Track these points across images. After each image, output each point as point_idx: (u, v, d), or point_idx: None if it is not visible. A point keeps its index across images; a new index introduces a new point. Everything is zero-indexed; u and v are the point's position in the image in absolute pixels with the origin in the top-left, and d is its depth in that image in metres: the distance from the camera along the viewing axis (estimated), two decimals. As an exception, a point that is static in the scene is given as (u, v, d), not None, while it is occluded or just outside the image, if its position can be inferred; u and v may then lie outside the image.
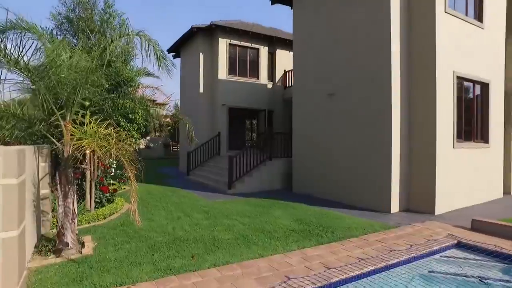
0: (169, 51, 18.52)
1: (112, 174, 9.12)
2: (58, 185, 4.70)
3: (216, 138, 14.55)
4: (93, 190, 7.11)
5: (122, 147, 4.11)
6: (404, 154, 7.83)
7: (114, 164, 10.84)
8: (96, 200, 7.44)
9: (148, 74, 8.70)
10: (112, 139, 4.18)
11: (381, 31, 7.78)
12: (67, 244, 4.58)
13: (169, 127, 30.98)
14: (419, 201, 7.74)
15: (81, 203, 6.94)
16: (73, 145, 4.26)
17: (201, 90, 15.48)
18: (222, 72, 15.08)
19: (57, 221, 4.78)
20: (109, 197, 7.71)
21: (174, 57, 19.37)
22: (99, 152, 4.04)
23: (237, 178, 10.40)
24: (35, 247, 4.81)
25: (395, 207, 7.68)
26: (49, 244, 4.85)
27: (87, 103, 6.71)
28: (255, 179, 10.69)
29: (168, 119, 32.95)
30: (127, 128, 7.26)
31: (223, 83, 15.06)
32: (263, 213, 7.23)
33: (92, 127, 4.36)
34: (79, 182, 7.28)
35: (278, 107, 16.57)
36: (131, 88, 7.26)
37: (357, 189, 8.32)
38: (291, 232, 5.77)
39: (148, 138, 28.50)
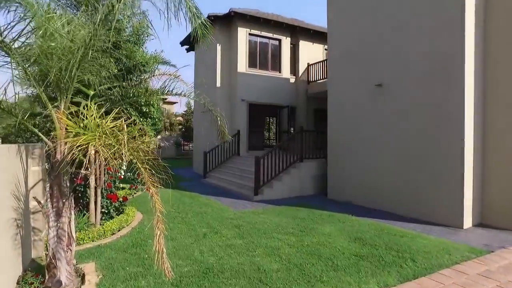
0: (182, 44, 17.26)
1: (122, 177, 7.85)
2: (49, 199, 3.39)
3: (235, 138, 13.19)
4: (99, 199, 5.82)
5: (137, 147, 2.77)
6: (476, 156, 6.36)
7: (124, 166, 9.60)
8: (103, 210, 6.16)
9: (165, 62, 7.40)
10: (123, 134, 2.85)
11: (452, 5, 6.31)
12: (60, 284, 3.26)
13: (181, 126, 29.80)
14: (498, 214, 6.25)
15: (84, 214, 5.65)
16: (69, 143, 2.94)
17: (218, 84, 14.15)
18: (242, 65, 13.72)
19: (47, 249, 3.49)
20: (118, 207, 6.42)
21: (188, 50, 18.11)
22: (105, 153, 2.71)
23: (264, 183, 9.03)
24: (17, 282, 3.50)
25: (468, 221, 6.19)
26: (36, 280, 3.53)
27: (91, 92, 5.41)
28: (285, 184, 9.30)
29: (179, 118, 31.73)
30: (141, 123, 5.99)
31: (242, 77, 13.70)
32: (308, 228, 5.83)
33: (95, 118, 3.02)
34: (82, 189, 6.01)
35: (301, 104, 15.15)
36: (145, 75, 5.94)
37: (415, 198, 6.86)
38: (358, 259, 4.36)
39: (159, 137, 27.36)
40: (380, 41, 7.77)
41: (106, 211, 6.22)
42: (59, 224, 3.38)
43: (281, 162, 9.33)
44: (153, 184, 2.77)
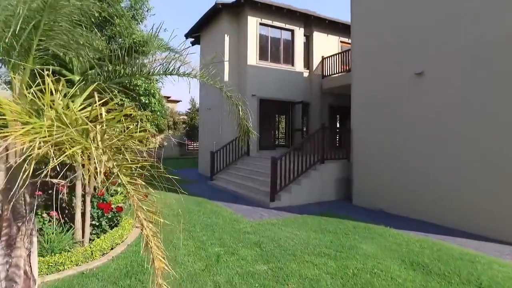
0: (187, 36, 16.17)
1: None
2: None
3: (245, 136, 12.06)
4: (88, 209, 4.74)
5: (122, 145, 1.67)
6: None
7: None
8: (94, 223, 5.07)
9: (169, 48, 6.26)
10: (102, 125, 1.73)
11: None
12: None
13: (185, 124, 28.72)
14: None
15: (68, 230, 4.56)
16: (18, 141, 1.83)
17: (226, 78, 13.02)
18: (252, 57, 12.60)
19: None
20: (112, 217, 5.33)
21: (193, 43, 17.02)
22: (83, 161, 1.61)
23: (281, 187, 7.90)
24: None
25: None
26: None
27: (76, 77, 4.32)
28: (305, 188, 8.17)
29: (183, 116, 30.65)
30: (139, 115, 4.93)
31: (253, 70, 12.58)
32: (345, 247, 4.70)
33: (66, 102, 1.89)
34: (69, 198, 4.93)
35: (315, 99, 13.99)
36: (143, 58, 4.80)
37: (471, 207, 5.70)
38: (429, 298, 3.23)
39: (162, 135, 26.32)
40: (422, 25, 6.62)
41: (97, 224, 5.13)
42: (11, 260, 2.29)
43: (300, 163, 8.20)
44: (140, 208, 1.64)
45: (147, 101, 4.95)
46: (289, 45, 13.56)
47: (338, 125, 14.85)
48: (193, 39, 16.65)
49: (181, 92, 59.11)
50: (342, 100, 14.37)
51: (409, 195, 6.72)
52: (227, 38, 13.04)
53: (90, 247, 4.32)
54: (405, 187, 6.80)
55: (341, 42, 14.96)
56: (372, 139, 7.70)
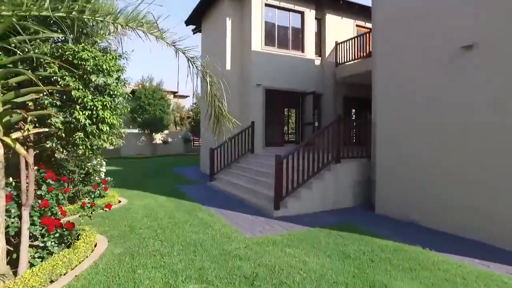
0: (187, 23, 14.86)
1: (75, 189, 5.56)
2: None
3: (248, 131, 10.71)
4: (25, 227, 3.50)
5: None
6: None
7: (101, 164, 7.39)
8: (37, 244, 3.82)
9: None
10: None
11: None
12: None
13: (190, 119, 27.52)
14: None
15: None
16: None
17: (228, 66, 11.67)
18: (257, 42, 11.19)
19: None
20: (63, 234, 4.05)
21: (194, 32, 15.71)
22: None
23: (288, 192, 6.53)
24: None
25: None
26: None
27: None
28: (316, 193, 6.77)
29: (190, 112, 29.45)
30: (92, 106, 3.57)
31: (258, 57, 11.17)
32: (375, 285, 3.31)
33: None
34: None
35: (328, 90, 12.50)
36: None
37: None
38: None
39: (166, 132, 25.17)
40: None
41: (43, 245, 3.87)
42: None
43: (310, 163, 6.80)
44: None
45: (101, 82, 3.69)
46: (299, 29, 12.09)
47: (356, 119, 13.35)
48: (194, 27, 15.36)
49: (190, 87, 57.97)
50: (358, 91, 12.86)
51: (455, 206, 5.24)
52: (229, 22, 11.67)
53: (23, 281, 3.06)
54: (450, 195, 5.33)
55: (357, 26, 13.40)
56: (401, 133, 6.24)
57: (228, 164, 10.54)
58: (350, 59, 11.73)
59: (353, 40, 11.62)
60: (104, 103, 3.90)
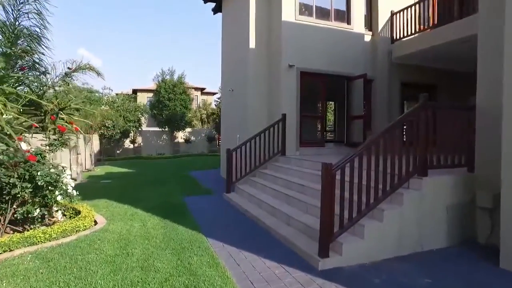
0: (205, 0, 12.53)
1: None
2: None
3: (278, 126, 8.13)
4: None
5: None
6: None
7: (66, 175, 5.22)
8: None
9: None
10: None
11: None
12: None
13: (214, 115, 25.31)
14: None
15: None
16: None
17: (251, 44, 9.15)
18: (289, 11, 8.57)
19: None
20: None
21: (215, 12, 13.36)
22: None
23: (343, 225, 3.87)
24: None
25: None
26: None
27: None
28: (389, 226, 4.05)
29: (213, 106, 27.29)
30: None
31: (290, 30, 8.55)
32: None
33: None
34: None
35: (381, 73, 9.61)
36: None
37: None
38: None
39: (189, 130, 23.15)
40: None
41: None
42: None
43: (378, 178, 4.09)
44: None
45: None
46: (344, -6, 9.33)
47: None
48: (214, 5, 12.97)
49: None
50: (421, 75, 9.90)
51: None
52: (253, -13, 9.13)
53: None
54: None
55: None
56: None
57: (251, 170, 8.03)
58: (411, 32, 8.86)
59: (415, 6, 8.74)
60: None
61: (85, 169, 14.38)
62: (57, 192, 5.04)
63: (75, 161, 12.08)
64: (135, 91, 29.07)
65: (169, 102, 20.25)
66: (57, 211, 5.50)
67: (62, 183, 5.25)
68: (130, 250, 4.17)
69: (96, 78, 6.76)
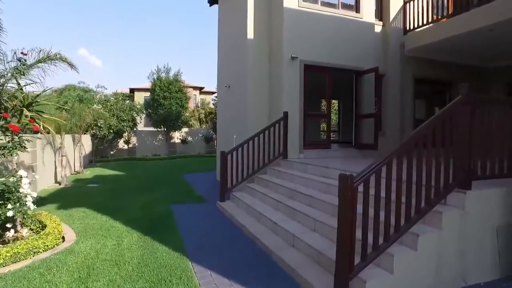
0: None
1: None
2: None
3: (279, 126, 7.19)
4: None
5: None
6: None
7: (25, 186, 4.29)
8: None
9: None
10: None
11: None
12: None
13: (212, 114, 24.34)
14: None
15: None
16: None
17: (250, 35, 8.21)
18: (291, -4, 7.65)
19: None
20: None
21: (211, 3, 12.42)
22: None
23: (366, 256, 2.94)
24: None
25: None
26: None
27: None
28: (424, 256, 3.11)
29: (210, 105, 26.31)
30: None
31: (293, 18, 7.61)
32: None
33: None
34: None
35: (392, 68, 8.69)
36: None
37: None
38: None
39: (185, 129, 22.21)
40: None
41: None
42: None
43: (410, 191, 3.16)
44: None
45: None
46: (352, -20, 8.41)
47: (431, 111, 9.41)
48: (211, -4, 12.03)
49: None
50: (435, 71, 8.98)
51: None
52: (251, -29, 8.19)
53: None
54: None
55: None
56: None
57: (248, 175, 7.10)
58: (426, 22, 7.97)
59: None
60: None
61: (74, 171, 13.45)
62: (9, 206, 4.12)
63: (60, 163, 11.14)
64: (132, 90, 28.15)
65: (164, 101, 19.30)
66: (21, 225, 4.61)
67: (20, 193, 4.34)
68: (90, 284, 3.24)
69: (69, 70, 5.81)
